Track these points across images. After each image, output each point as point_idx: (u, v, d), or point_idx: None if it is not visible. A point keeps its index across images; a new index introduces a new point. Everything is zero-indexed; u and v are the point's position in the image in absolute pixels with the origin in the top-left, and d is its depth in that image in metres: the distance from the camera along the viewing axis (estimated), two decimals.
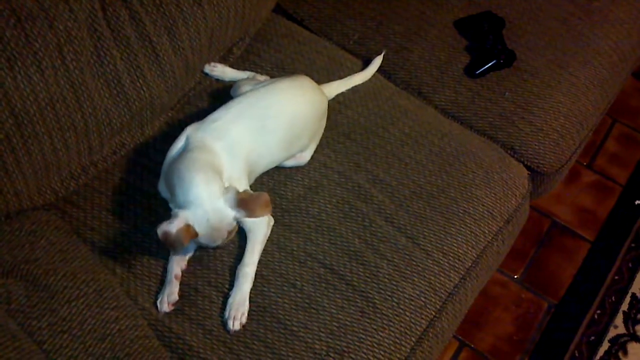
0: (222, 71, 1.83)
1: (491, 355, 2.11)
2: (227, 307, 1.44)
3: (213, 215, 1.36)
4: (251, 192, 1.46)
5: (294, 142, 1.62)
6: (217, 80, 1.84)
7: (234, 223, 1.40)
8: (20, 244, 1.44)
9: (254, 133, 1.53)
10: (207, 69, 1.82)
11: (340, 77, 1.85)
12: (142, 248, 1.52)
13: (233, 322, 1.42)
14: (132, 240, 1.53)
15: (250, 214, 1.38)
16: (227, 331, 1.43)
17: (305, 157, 1.67)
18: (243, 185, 1.49)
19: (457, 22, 2.04)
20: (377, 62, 1.92)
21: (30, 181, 1.49)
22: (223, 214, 1.37)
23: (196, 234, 1.35)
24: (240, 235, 1.53)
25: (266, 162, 1.60)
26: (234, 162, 1.49)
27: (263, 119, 1.55)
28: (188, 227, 1.33)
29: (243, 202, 1.36)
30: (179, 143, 1.52)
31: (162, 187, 1.53)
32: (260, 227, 1.52)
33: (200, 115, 1.75)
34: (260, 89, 1.61)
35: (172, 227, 1.32)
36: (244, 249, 1.50)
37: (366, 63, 1.92)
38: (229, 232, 1.41)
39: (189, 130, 1.52)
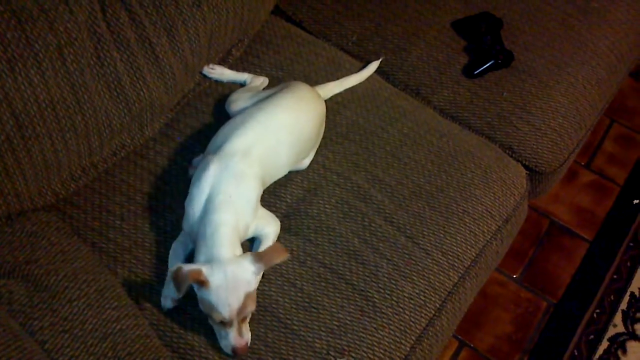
0: (221, 72, 1.84)
1: (491, 355, 2.12)
2: None
3: (231, 268, 1.34)
4: (265, 247, 1.46)
5: (301, 152, 1.65)
6: (216, 81, 1.85)
7: (253, 283, 1.35)
8: (21, 245, 1.44)
9: (270, 152, 1.56)
10: (206, 70, 1.83)
11: (339, 78, 1.86)
12: (143, 248, 1.52)
13: None
14: (132, 240, 1.53)
15: (269, 264, 1.37)
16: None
17: (305, 162, 1.69)
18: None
19: (455, 23, 2.05)
20: (374, 65, 1.93)
21: (31, 182, 1.49)
22: (242, 266, 1.35)
23: (205, 282, 1.31)
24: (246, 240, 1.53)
25: (278, 176, 1.63)
26: (257, 187, 1.52)
27: (276, 137, 1.57)
28: (199, 273, 1.31)
29: (260, 257, 1.36)
30: (205, 184, 1.47)
31: (186, 224, 1.50)
32: (271, 235, 1.54)
33: (200, 117, 1.77)
34: (266, 107, 1.60)
35: (186, 267, 1.32)
36: (248, 250, 1.50)
37: (365, 64, 1.93)
38: (246, 297, 1.33)
39: (213, 170, 1.48)
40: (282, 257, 1.38)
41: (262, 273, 1.38)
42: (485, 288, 1.83)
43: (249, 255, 1.37)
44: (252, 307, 1.35)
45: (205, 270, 1.32)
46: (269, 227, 1.54)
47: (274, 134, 1.57)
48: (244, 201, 1.48)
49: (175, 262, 1.47)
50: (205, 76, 1.84)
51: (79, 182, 1.61)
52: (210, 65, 1.83)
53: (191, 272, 1.30)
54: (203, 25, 1.68)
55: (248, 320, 1.40)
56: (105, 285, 1.42)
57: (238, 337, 1.35)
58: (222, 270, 1.33)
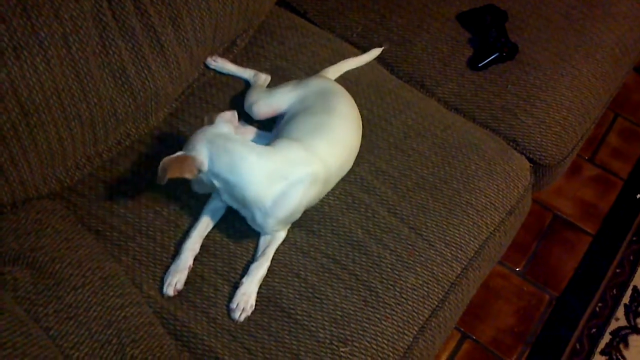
0: (223, 65, 1.84)
1: (493, 347, 2.12)
2: (235, 298, 1.46)
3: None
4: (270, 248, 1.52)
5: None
6: (219, 73, 1.85)
7: None
8: (26, 232, 1.45)
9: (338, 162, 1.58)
10: (209, 61, 1.83)
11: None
12: (147, 237, 1.53)
13: (239, 313, 1.44)
14: (136, 228, 1.54)
15: None
16: (232, 320, 1.44)
17: None
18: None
19: (460, 15, 2.05)
20: (375, 52, 1.94)
21: (36, 170, 1.50)
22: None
23: (196, 171, 1.40)
24: (252, 233, 1.55)
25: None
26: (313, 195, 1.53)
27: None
28: (191, 158, 1.39)
29: None
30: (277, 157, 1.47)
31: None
32: (281, 235, 1.54)
33: (204, 107, 1.77)
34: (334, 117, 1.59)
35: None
36: (254, 243, 1.54)
37: None
38: None
39: (295, 151, 1.49)
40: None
41: None
42: (487, 281, 1.84)
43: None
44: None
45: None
46: (283, 232, 1.55)
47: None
48: (293, 197, 1.46)
49: (188, 255, 1.48)
50: (207, 67, 1.83)
51: (83, 170, 1.62)
52: (213, 57, 1.83)
53: (183, 160, 1.41)
54: (208, 15, 1.68)
55: None
56: (109, 273, 1.42)
57: None
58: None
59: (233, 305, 1.45)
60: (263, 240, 1.54)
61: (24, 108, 1.40)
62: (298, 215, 1.53)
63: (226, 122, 1.48)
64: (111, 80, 1.54)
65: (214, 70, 1.84)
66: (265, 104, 1.68)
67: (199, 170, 1.42)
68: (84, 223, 1.54)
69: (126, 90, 1.57)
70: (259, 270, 1.49)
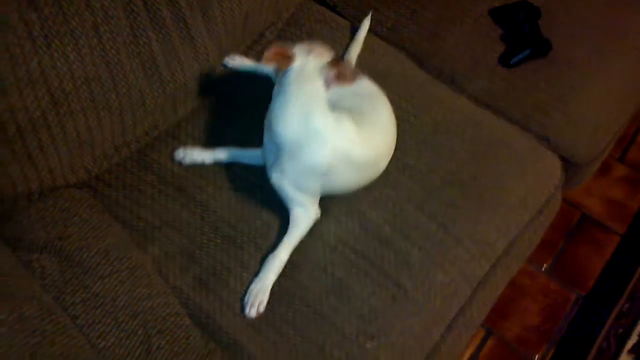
0: (241, 62, 1.79)
1: (518, 345, 2.10)
2: (247, 293, 1.44)
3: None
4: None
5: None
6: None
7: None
8: (54, 221, 1.45)
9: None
10: (226, 60, 1.78)
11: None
12: (173, 228, 1.52)
13: (250, 309, 1.43)
14: (162, 219, 1.53)
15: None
16: (243, 315, 1.43)
17: None
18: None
19: (493, 11, 2.02)
20: (366, 23, 1.92)
21: (64, 159, 1.50)
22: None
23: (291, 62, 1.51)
24: (281, 226, 1.53)
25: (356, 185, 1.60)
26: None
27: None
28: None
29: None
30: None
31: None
32: (303, 221, 1.51)
33: (232, 98, 1.76)
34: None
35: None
36: (280, 236, 1.51)
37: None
38: None
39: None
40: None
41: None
42: (514, 278, 1.81)
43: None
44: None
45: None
46: (302, 219, 1.51)
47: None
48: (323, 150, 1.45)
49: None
50: (224, 66, 1.78)
51: (111, 160, 1.62)
52: (231, 56, 1.79)
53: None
54: (238, 6, 1.67)
55: None
56: (136, 262, 1.42)
57: None
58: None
59: (244, 300, 1.44)
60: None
61: (54, 97, 1.40)
62: (313, 187, 1.49)
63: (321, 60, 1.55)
64: (141, 70, 1.53)
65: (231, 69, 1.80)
66: None
67: (290, 61, 1.51)
68: (111, 212, 1.54)
69: (155, 81, 1.56)
70: (273, 262, 1.46)
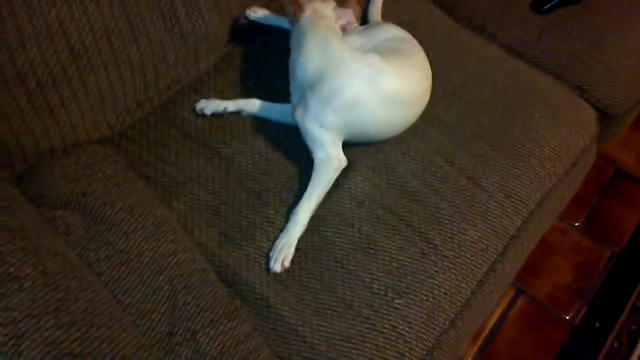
0: (263, 15, 1.75)
1: (549, 303, 2.06)
2: (273, 248, 1.42)
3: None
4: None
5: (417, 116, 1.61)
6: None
7: None
8: (77, 177, 1.43)
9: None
10: (247, 12, 1.74)
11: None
12: (198, 183, 1.50)
13: (274, 263, 1.40)
14: (187, 175, 1.51)
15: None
16: (268, 270, 1.41)
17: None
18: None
19: None
20: None
21: (87, 114, 1.48)
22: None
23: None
24: (305, 176, 1.49)
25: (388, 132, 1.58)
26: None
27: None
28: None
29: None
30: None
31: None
32: (326, 169, 1.47)
33: (253, 52, 1.72)
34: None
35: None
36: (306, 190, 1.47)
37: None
38: None
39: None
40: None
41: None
42: (545, 235, 1.77)
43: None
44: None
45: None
46: (327, 167, 1.47)
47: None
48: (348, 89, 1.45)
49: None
50: (247, 17, 1.75)
51: (134, 115, 1.59)
52: (252, 8, 1.75)
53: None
54: None
55: None
56: (161, 218, 1.40)
57: None
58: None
59: (269, 255, 1.42)
60: None
61: (74, 50, 1.37)
62: (337, 121, 1.46)
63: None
64: (161, 22, 1.49)
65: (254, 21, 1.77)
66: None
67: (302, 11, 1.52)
68: (134, 168, 1.51)
69: (177, 33, 1.53)
70: (298, 216, 1.43)
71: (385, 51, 1.51)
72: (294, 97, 1.51)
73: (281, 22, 1.74)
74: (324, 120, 1.45)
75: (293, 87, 1.51)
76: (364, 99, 1.45)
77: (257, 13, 1.75)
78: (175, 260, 1.34)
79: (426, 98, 1.57)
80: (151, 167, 1.52)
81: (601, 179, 2.29)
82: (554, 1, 1.83)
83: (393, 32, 1.58)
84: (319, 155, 1.47)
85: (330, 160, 1.47)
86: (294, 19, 1.53)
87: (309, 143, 1.48)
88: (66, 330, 1.04)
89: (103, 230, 1.35)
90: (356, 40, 1.56)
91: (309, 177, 1.48)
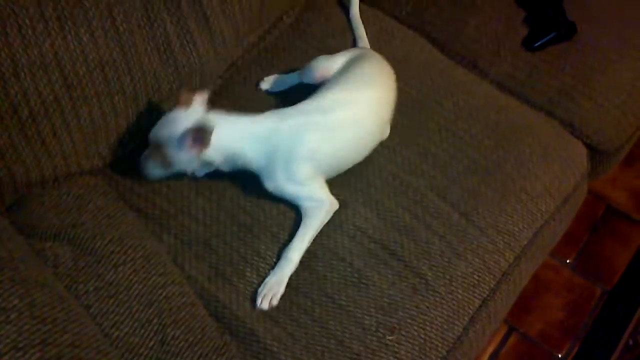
0: (274, 81, 1.73)
1: (541, 341, 2.05)
2: (263, 285, 1.41)
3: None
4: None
5: (384, 126, 1.61)
6: (266, 49, 1.80)
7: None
8: (68, 208, 1.42)
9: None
10: (261, 83, 1.73)
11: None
12: (189, 216, 1.49)
13: (262, 301, 1.39)
14: (178, 207, 1.50)
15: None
16: (254, 307, 1.39)
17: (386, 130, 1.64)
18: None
19: None
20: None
21: (79, 145, 1.47)
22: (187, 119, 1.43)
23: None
24: (298, 215, 1.49)
25: (361, 152, 1.57)
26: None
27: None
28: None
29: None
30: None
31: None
32: (317, 213, 1.47)
33: (248, 86, 1.72)
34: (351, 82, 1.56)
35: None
36: (297, 226, 1.47)
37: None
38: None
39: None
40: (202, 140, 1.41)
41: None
42: (536, 272, 1.76)
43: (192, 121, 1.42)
44: (155, 156, 1.45)
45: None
46: (317, 212, 1.48)
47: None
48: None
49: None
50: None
51: (126, 147, 1.58)
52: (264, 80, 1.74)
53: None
54: None
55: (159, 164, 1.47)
56: (151, 251, 1.39)
57: (143, 157, 1.49)
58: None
59: (258, 291, 1.40)
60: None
61: (67, 80, 1.37)
62: (309, 173, 1.47)
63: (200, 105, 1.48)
64: (155, 54, 1.50)
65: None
66: (323, 66, 1.62)
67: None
68: (125, 200, 1.50)
69: (170, 65, 1.53)
70: (289, 256, 1.43)
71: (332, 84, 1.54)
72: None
73: (295, 79, 1.71)
74: (297, 177, 1.46)
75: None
76: (320, 138, 1.47)
77: (267, 82, 1.73)
78: (164, 293, 1.33)
79: (386, 97, 1.58)
80: (142, 199, 1.51)
81: (592, 216, 2.29)
82: (545, 39, 1.84)
83: (360, 52, 1.65)
84: (307, 205, 1.48)
85: (321, 205, 1.48)
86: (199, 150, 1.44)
87: (295, 201, 1.49)
88: None
89: (92, 262, 1.33)
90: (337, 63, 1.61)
91: (299, 213, 1.48)
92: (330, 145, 1.49)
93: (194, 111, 1.45)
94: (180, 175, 1.51)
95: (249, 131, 1.45)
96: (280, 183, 1.46)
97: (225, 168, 1.50)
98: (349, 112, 1.50)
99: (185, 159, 1.45)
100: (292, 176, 1.45)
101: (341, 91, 1.52)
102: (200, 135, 1.39)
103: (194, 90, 1.48)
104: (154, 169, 1.48)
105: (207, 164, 1.48)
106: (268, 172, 1.47)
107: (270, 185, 1.48)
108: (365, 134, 1.55)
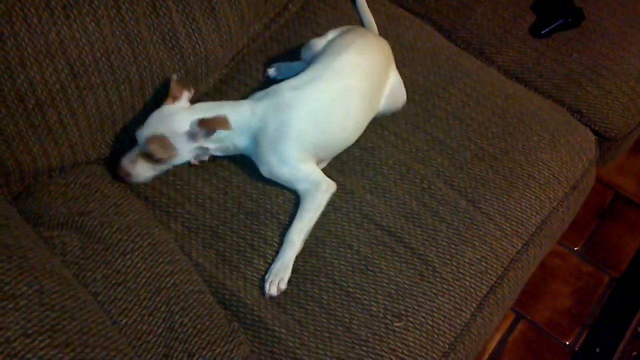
0: (281, 68, 1.73)
1: (549, 328, 2.04)
2: (268, 271, 1.41)
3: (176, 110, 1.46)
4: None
5: (374, 97, 1.58)
6: (271, 38, 1.79)
7: (176, 131, 1.43)
8: (75, 197, 1.42)
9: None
10: (268, 70, 1.73)
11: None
12: (196, 204, 1.49)
13: (270, 286, 1.39)
14: (185, 195, 1.50)
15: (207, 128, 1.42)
16: (262, 294, 1.39)
17: (402, 92, 1.64)
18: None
19: None
20: None
21: (85, 134, 1.47)
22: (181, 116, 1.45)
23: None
24: (297, 199, 1.49)
25: (349, 126, 1.55)
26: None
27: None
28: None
29: (202, 123, 1.42)
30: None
31: None
32: (314, 194, 1.47)
33: (254, 74, 1.72)
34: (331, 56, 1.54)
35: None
36: None
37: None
38: (159, 136, 1.43)
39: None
40: (223, 126, 1.41)
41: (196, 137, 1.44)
42: (544, 260, 1.75)
43: (195, 114, 1.43)
44: (157, 151, 1.42)
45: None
46: (316, 194, 1.48)
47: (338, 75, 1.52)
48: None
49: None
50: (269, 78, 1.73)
51: (133, 136, 1.58)
52: (271, 66, 1.73)
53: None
54: None
55: (153, 162, 1.45)
56: (158, 239, 1.39)
57: (127, 161, 1.45)
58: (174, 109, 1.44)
59: (265, 277, 1.41)
60: None
61: (73, 69, 1.37)
62: (299, 154, 1.47)
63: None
64: (161, 43, 1.49)
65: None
66: (314, 45, 1.63)
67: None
68: (132, 189, 1.51)
69: (176, 54, 1.52)
70: (290, 240, 1.43)
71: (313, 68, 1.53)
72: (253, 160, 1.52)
73: (301, 66, 1.67)
74: (288, 158, 1.46)
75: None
76: (300, 115, 1.47)
77: (274, 69, 1.72)
78: (172, 281, 1.33)
79: (368, 65, 1.56)
80: (149, 188, 1.51)
81: (600, 203, 2.28)
82: (552, 25, 1.83)
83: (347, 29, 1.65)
84: (302, 187, 1.49)
85: (317, 186, 1.48)
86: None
87: (291, 184, 1.50)
88: (61, 351, 1.03)
89: (100, 250, 1.33)
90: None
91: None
92: (311, 120, 1.47)
93: (183, 105, 1.47)
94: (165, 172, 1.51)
95: (232, 118, 1.44)
96: (274, 166, 1.47)
97: (219, 153, 1.51)
98: (321, 83, 1.49)
99: (188, 150, 1.46)
100: (282, 158, 1.46)
101: (317, 64, 1.52)
102: (211, 125, 1.41)
103: (184, 84, 1.50)
104: (144, 171, 1.47)
105: (203, 152, 1.50)
106: (260, 157, 1.48)
107: (265, 170, 1.49)
108: (348, 103, 1.52)
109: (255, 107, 1.47)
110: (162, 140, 1.43)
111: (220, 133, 1.44)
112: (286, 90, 1.48)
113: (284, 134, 1.45)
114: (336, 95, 1.50)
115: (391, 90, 1.61)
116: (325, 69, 1.51)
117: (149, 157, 1.44)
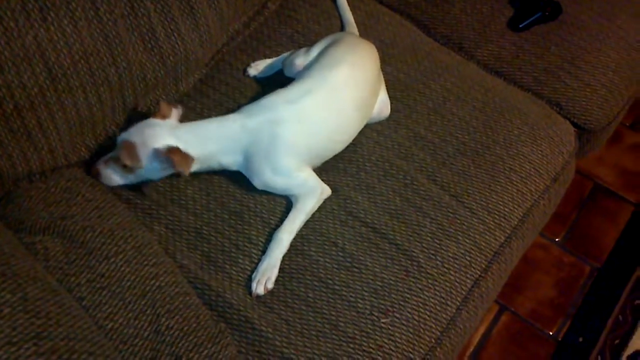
0: (263, 65, 1.73)
1: (532, 320, 2.06)
2: (255, 270, 1.41)
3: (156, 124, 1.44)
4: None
5: (368, 106, 1.58)
6: (251, 36, 1.79)
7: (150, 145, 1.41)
8: (56, 201, 1.41)
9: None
10: (247, 69, 1.72)
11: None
12: (179, 205, 1.48)
13: (257, 286, 1.39)
14: (168, 197, 1.49)
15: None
16: (249, 293, 1.39)
17: (386, 108, 1.64)
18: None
19: None
20: None
21: (65, 137, 1.46)
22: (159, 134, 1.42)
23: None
24: (288, 200, 1.49)
25: (344, 137, 1.56)
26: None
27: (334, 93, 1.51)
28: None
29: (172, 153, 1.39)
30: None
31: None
32: (309, 198, 1.47)
33: (234, 73, 1.71)
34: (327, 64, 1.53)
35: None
36: (287, 211, 1.47)
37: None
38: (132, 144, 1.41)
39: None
40: (183, 167, 1.39)
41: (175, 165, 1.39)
42: (526, 252, 1.77)
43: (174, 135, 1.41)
44: (124, 157, 1.40)
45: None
46: (308, 199, 1.48)
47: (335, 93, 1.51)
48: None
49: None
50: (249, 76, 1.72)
51: (113, 138, 1.56)
52: (251, 65, 1.73)
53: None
54: None
55: (121, 168, 1.44)
56: (142, 241, 1.38)
57: (101, 161, 1.46)
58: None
59: (252, 277, 1.40)
60: None
61: (52, 72, 1.36)
62: (294, 164, 1.46)
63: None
64: (140, 44, 1.48)
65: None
66: (300, 58, 1.62)
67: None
68: (114, 191, 1.49)
69: (155, 54, 1.51)
70: (279, 239, 1.43)
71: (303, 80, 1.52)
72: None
73: (281, 64, 1.70)
74: (283, 169, 1.46)
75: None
76: (294, 129, 1.46)
77: (254, 68, 1.71)
78: (157, 283, 1.32)
79: (361, 75, 1.55)
80: (131, 190, 1.50)
81: (580, 195, 2.31)
82: (531, 19, 1.84)
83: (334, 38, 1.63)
84: (299, 192, 1.48)
85: (313, 191, 1.48)
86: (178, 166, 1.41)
87: (286, 192, 1.49)
88: (47, 358, 1.02)
89: (83, 255, 1.32)
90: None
91: (289, 199, 1.49)
92: (306, 134, 1.47)
93: (169, 124, 1.44)
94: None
95: (218, 136, 1.44)
96: (268, 178, 1.46)
97: (202, 171, 1.49)
98: (317, 97, 1.48)
99: (153, 169, 1.43)
100: (277, 169, 1.45)
101: (310, 77, 1.51)
102: (173, 160, 1.38)
103: (172, 104, 1.48)
104: (113, 174, 1.47)
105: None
106: (252, 170, 1.47)
107: (258, 183, 1.48)
108: (343, 115, 1.52)
109: (246, 122, 1.45)
110: (131, 148, 1.41)
111: (204, 155, 1.43)
112: (281, 104, 1.46)
113: (278, 146, 1.44)
114: (332, 109, 1.50)
115: (379, 105, 1.62)
116: (320, 81, 1.50)
117: (119, 161, 1.43)
